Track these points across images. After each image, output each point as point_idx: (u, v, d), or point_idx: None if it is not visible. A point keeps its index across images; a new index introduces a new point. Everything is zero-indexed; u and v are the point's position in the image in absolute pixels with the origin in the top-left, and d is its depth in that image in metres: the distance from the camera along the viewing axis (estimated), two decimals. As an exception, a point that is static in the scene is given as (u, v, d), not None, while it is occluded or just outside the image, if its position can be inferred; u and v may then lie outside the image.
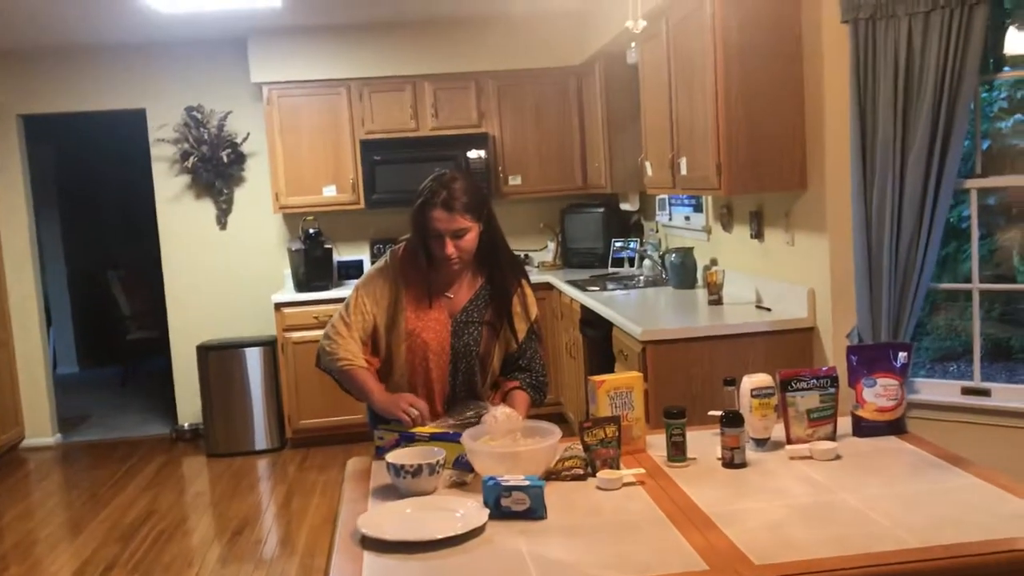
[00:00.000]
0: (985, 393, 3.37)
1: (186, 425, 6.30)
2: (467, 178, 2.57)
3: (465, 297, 2.61)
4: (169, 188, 6.26)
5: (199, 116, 6.12)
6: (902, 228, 3.26)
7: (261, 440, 5.88)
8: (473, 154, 5.96)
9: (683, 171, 4.08)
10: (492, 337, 2.61)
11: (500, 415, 2.38)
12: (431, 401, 2.56)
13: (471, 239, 2.52)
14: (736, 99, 3.57)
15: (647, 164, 4.71)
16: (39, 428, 6.29)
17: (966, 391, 3.41)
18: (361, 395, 2.54)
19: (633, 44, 4.85)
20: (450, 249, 2.49)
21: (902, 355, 2.38)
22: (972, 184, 3.39)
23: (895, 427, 2.37)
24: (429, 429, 2.34)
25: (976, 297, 3.45)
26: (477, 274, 2.63)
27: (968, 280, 3.50)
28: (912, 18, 3.16)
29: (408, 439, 2.30)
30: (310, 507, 4.82)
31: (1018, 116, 4.42)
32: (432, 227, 2.48)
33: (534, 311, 2.68)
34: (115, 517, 4.82)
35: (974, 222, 3.42)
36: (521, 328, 2.64)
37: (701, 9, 3.67)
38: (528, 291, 2.67)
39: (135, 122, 6.30)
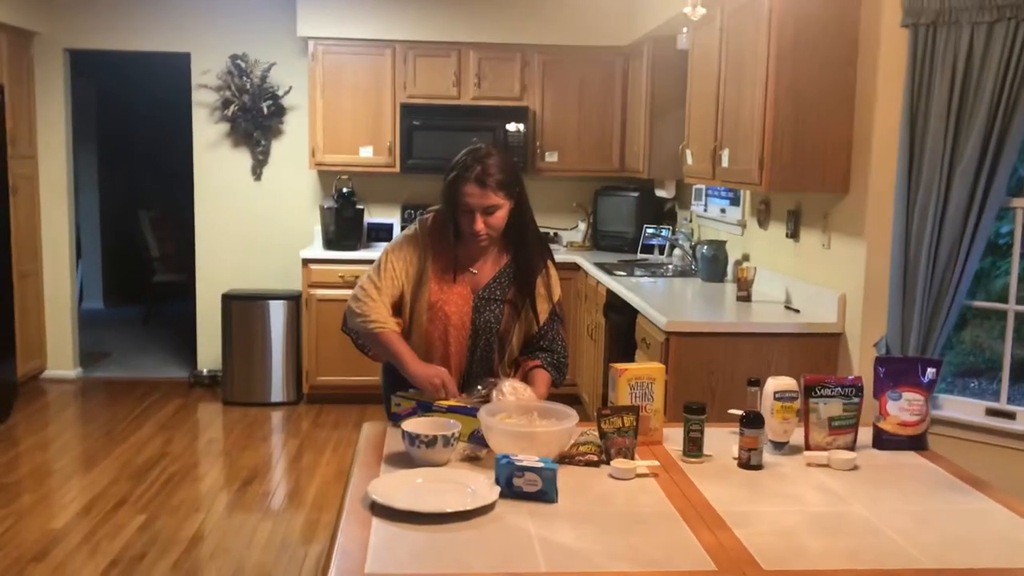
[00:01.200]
0: (1010, 416, 3.32)
1: (205, 371, 6.36)
2: (501, 153, 2.54)
3: (489, 273, 2.60)
4: (207, 135, 6.27)
5: (243, 65, 6.12)
6: (942, 242, 3.21)
7: (278, 392, 5.92)
8: (512, 127, 5.92)
9: (724, 163, 4.03)
10: (513, 316, 2.60)
11: (507, 388, 2.37)
12: (450, 370, 2.55)
13: (501, 216, 2.50)
14: (786, 96, 3.51)
15: (688, 152, 4.66)
16: (61, 360, 6.38)
17: (991, 412, 3.36)
18: (394, 359, 2.51)
19: (685, 29, 4.78)
20: (479, 225, 2.47)
21: (931, 371, 2.35)
22: (1019, 203, 3.32)
23: (916, 443, 2.35)
24: (447, 401, 2.33)
25: (1011, 318, 3.39)
26: (503, 251, 2.62)
27: (1002, 299, 3.44)
28: (975, 27, 3.09)
29: (425, 408, 2.30)
30: (321, 463, 4.85)
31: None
32: (463, 202, 2.46)
33: (557, 292, 2.66)
34: (128, 455, 4.88)
35: (1016, 241, 3.35)
36: (544, 309, 2.62)
37: (758, 1, 3.61)
38: (553, 272, 2.66)
39: (179, 66, 6.31)
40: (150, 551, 3.72)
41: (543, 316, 2.62)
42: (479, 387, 2.44)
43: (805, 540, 1.77)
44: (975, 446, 3.32)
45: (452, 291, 2.55)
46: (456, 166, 2.49)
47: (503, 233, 2.55)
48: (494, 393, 2.36)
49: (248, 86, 6.11)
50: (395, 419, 2.33)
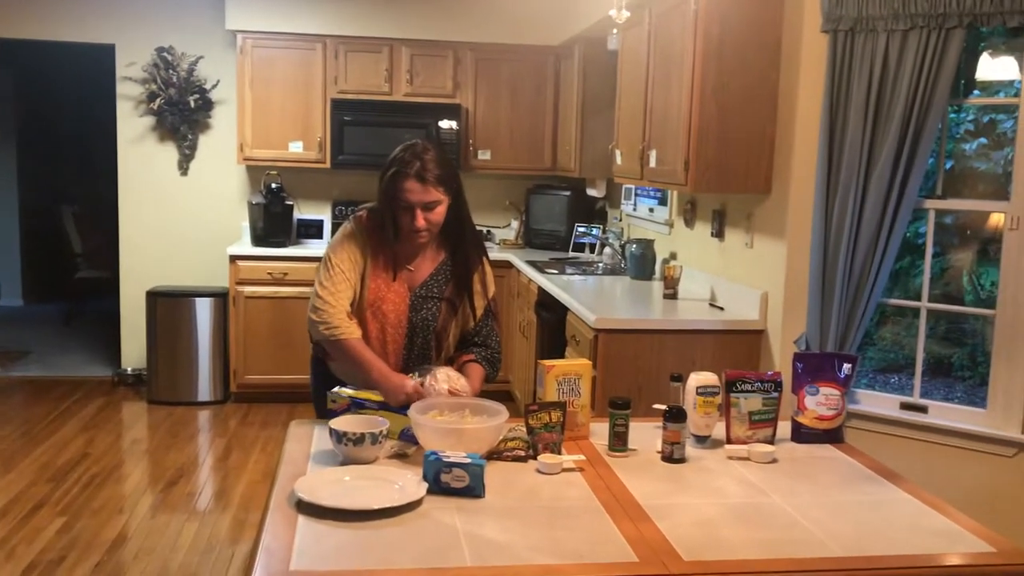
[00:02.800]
0: (923, 410, 3.45)
1: (129, 369, 6.21)
2: (438, 149, 2.54)
3: (427, 271, 2.60)
4: (132, 128, 6.13)
5: (169, 58, 5.99)
6: (859, 242, 3.31)
7: (205, 391, 5.82)
8: (445, 124, 5.92)
9: (652, 163, 4.10)
10: (450, 313, 2.61)
11: (441, 376, 2.38)
12: (387, 362, 2.54)
13: (441, 212, 2.50)
14: (711, 97, 3.58)
15: (617, 152, 4.72)
16: (-23, 359, 6.17)
17: (904, 406, 3.49)
18: (360, 368, 2.44)
19: (615, 31, 4.84)
20: (420, 221, 2.46)
21: (847, 366, 2.43)
22: (932, 205, 3.44)
23: (833, 436, 2.42)
24: (378, 397, 2.33)
25: (923, 316, 3.52)
26: (439, 248, 2.62)
27: (918, 297, 3.57)
28: (890, 35, 3.20)
29: (359, 406, 2.30)
30: (248, 463, 4.79)
31: (982, 139, 4.51)
32: (403, 198, 2.45)
33: (492, 289, 2.68)
34: (48, 457, 4.75)
35: (929, 241, 3.48)
36: (480, 305, 2.64)
37: (685, 4, 3.68)
38: (488, 268, 2.68)
39: (103, 57, 6.15)
40: (70, 554, 3.63)
41: (479, 312, 2.64)
42: (415, 373, 2.44)
43: (724, 531, 1.82)
44: (890, 439, 3.44)
45: (390, 289, 2.54)
46: (395, 162, 2.46)
47: (441, 230, 2.55)
48: (427, 379, 2.37)
49: (174, 79, 5.99)
50: (330, 416, 2.31)
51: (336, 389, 2.38)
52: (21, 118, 8.53)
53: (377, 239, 2.55)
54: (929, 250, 3.48)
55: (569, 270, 5.14)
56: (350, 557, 1.65)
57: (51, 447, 4.90)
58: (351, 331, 2.46)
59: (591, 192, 6.08)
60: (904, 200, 3.26)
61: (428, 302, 2.58)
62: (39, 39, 6.01)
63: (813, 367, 2.43)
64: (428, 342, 2.59)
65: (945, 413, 3.41)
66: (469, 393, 2.41)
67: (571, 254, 5.94)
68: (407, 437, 2.21)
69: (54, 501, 4.16)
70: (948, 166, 3.68)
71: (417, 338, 2.58)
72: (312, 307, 2.49)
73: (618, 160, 4.71)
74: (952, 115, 3.84)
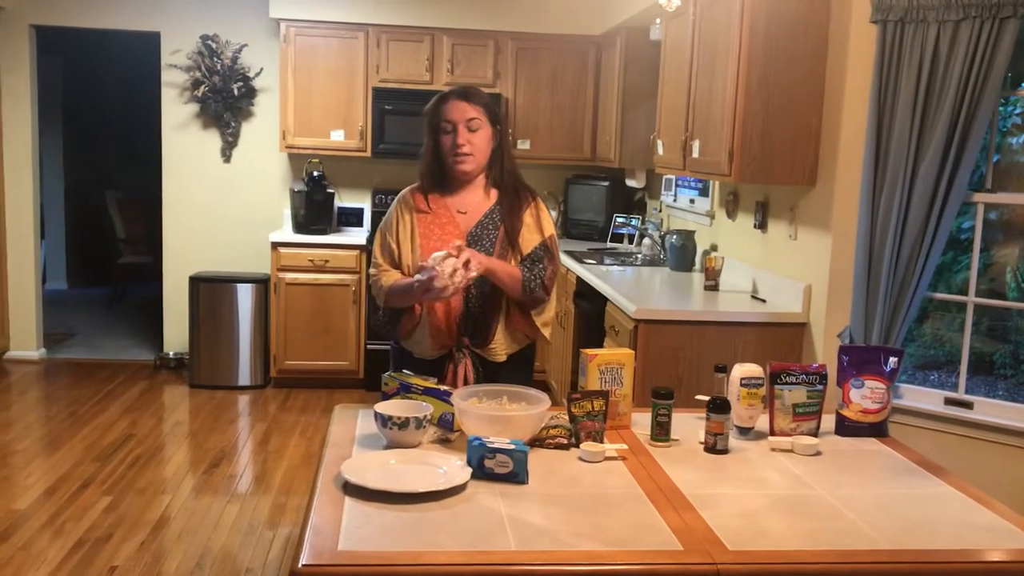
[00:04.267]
0: (968, 405, 3.40)
1: (171, 354, 6.31)
2: None
3: (478, 214, 2.63)
4: (176, 115, 6.21)
5: (214, 46, 6.06)
6: (905, 234, 3.27)
7: (245, 376, 5.90)
8: (485, 114, 5.92)
9: (695, 153, 4.08)
10: (505, 251, 2.60)
11: (445, 260, 2.35)
12: (447, 318, 2.58)
13: (484, 137, 2.57)
14: (756, 88, 3.55)
15: (659, 142, 4.70)
16: (24, 341, 6.30)
17: (949, 402, 3.44)
18: (405, 289, 2.53)
19: (658, 20, 4.82)
20: (462, 138, 2.53)
21: (893, 360, 2.41)
22: (980, 198, 3.39)
23: (877, 430, 2.40)
24: (424, 383, 2.34)
25: (970, 310, 3.47)
26: (489, 192, 2.66)
27: (962, 292, 3.52)
28: (942, 25, 3.15)
29: (406, 389, 2.32)
30: (288, 447, 4.85)
31: (1031, 134, 4.42)
32: (447, 117, 2.55)
33: (549, 228, 2.67)
34: (93, 437, 4.84)
35: (977, 236, 3.43)
36: (534, 239, 2.62)
37: (731, -7, 3.65)
38: (542, 207, 2.69)
39: (148, 45, 6.23)
40: (116, 532, 3.70)
41: (532, 245, 2.62)
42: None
43: (768, 522, 1.82)
44: (933, 434, 3.40)
45: (445, 233, 2.59)
46: (440, 95, 2.63)
47: (488, 173, 2.62)
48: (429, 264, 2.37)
49: (219, 67, 6.06)
50: (385, 398, 2.33)
51: (388, 373, 2.41)
52: (68, 105, 8.67)
53: (423, 195, 2.64)
54: (977, 244, 3.43)
55: (608, 260, 5.13)
56: (397, 539, 1.67)
57: (96, 428, 4.99)
58: (389, 276, 2.62)
59: (630, 183, 6.06)
60: (952, 193, 3.21)
61: (483, 241, 2.60)
62: (86, 27, 6.11)
63: (859, 360, 2.41)
64: (485, 284, 2.57)
65: (991, 409, 3.36)
66: (470, 261, 2.37)
67: (609, 245, 5.92)
68: (444, 423, 2.23)
69: (100, 480, 4.25)
70: (994, 160, 3.62)
71: (474, 281, 2.53)
72: (371, 280, 2.67)
73: (660, 150, 4.69)
74: (999, 109, 3.77)
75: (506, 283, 2.56)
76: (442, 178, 2.64)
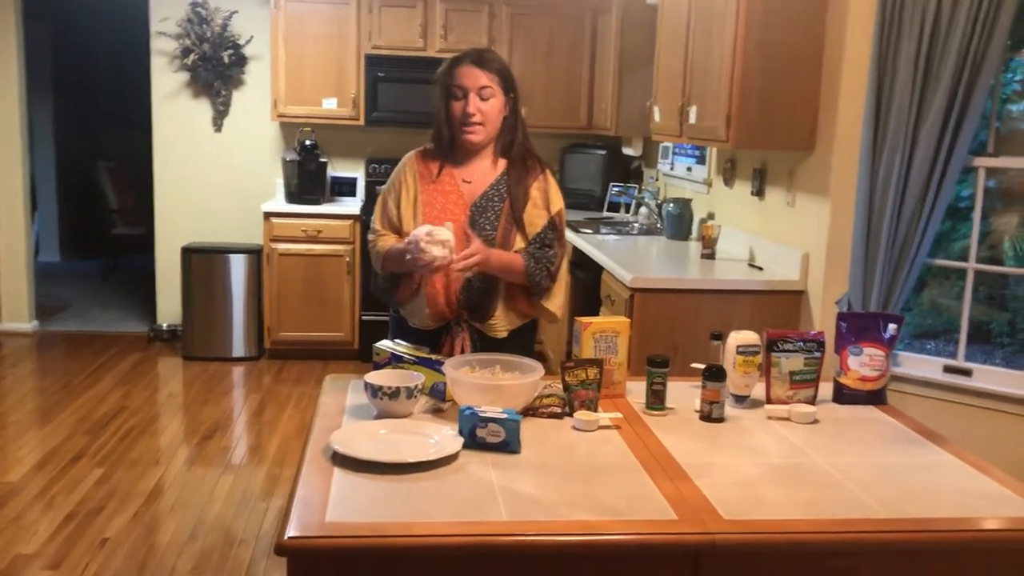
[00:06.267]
0: (967, 373, 3.37)
1: (164, 325, 6.27)
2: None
3: (484, 184, 2.55)
4: (167, 84, 6.12)
5: (203, 13, 5.96)
6: (906, 200, 3.22)
7: (239, 347, 5.86)
8: (479, 81, 5.83)
9: (692, 119, 4.01)
10: (510, 226, 2.52)
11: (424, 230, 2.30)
12: (446, 291, 2.52)
13: (495, 106, 2.50)
14: (754, 52, 3.49)
15: (655, 109, 4.63)
16: (17, 313, 6.26)
17: (948, 369, 3.42)
18: (398, 255, 2.43)
19: (654, -16, 4.73)
20: (473, 106, 2.46)
21: (892, 327, 2.37)
22: (981, 163, 3.34)
23: (876, 397, 2.37)
24: (416, 353, 2.30)
25: (970, 276, 3.43)
26: (498, 162, 2.58)
27: (961, 259, 3.48)
28: (944, -14, 3.08)
29: (397, 359, 2.28)
30: (282, 418, 4.82)
31: (1032, 100, 4.36)
32: (458, 82, 2.47)
33: (557, 204, 2.58)
34: (86, 409, 4.81)
35: (978, 201, 3.38)
36: (540, 216, 2.54)
37: (729, -46, 3.57)
38: (551, 181, 2.60)
39: (137, 12, 6.13)
40: (108, 504, 3.68)
41: (540, 224, 2.53)
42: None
43: (765, 491, 1.79)
44: (932, 402, 3.37)
45: (448, 202, 2.52)
46: (453, 58, 2.53)
47: (497, 142, 2.55)
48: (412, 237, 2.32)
49: (208, 34, 5.96)
50: (376, 368, 2.29)
51: (380, 343, 2.37)
52: (57, 72, 8.55)
53: (429, 162, 2.56)
54: (978, 210, 3.38)
55: (604, 230, 5.08)
56: (386, 509, 1.63)
57: (89, 400, 4.96)
58: (386, 240, 2.56)
59: (627, 151, 6.00)
60: (953, 158, 3.16)
61: (487, 213, 2.52)
62: (74, -7, 6.01)
63: (857, 327, 2.37)
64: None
65: (990, 377, 3.34)
66: (451, 243, 2.31)
67: (606, 214, 5.87)
68: (436, 392, 2.19)
69: (92, 452, 4.22)
70: (996, 127, 3.56)
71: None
72: (369, 245, 2.62)
73: (656, 117, 4.62)
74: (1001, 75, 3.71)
75: (505, 277, 2.50)
76: (451, 145, 2.56)
